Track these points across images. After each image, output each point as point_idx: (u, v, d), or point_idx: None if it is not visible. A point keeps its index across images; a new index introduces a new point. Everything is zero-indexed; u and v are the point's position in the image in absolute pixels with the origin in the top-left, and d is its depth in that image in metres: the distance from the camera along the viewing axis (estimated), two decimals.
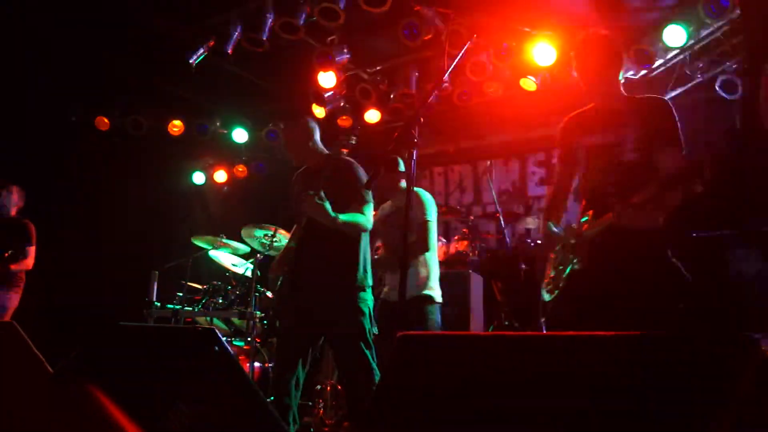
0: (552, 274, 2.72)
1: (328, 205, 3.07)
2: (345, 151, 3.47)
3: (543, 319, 3.54)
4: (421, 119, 2.27)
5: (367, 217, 3.28)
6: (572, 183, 2.91)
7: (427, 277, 3.87)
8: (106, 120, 7.24)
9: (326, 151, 3.47)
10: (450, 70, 2.72)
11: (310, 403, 4.57)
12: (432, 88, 5.13)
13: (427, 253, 3.88)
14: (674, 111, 2.57)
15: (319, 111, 6.57)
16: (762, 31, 3.68)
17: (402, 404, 1.53)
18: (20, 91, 6.31)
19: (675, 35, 4.95)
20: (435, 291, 3.89)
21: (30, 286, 5.56)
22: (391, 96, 6.49)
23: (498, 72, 5.98)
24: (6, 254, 5.09)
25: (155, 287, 4.79)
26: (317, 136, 3.44)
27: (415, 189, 3.86)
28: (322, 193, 3.09)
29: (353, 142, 3.56)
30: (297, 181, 3.57)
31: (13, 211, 5.55)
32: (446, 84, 6.07)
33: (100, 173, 7.03)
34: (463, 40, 4.91)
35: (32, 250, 5.33)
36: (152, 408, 2.13)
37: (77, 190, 6.88)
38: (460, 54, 2.69)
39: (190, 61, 5.58)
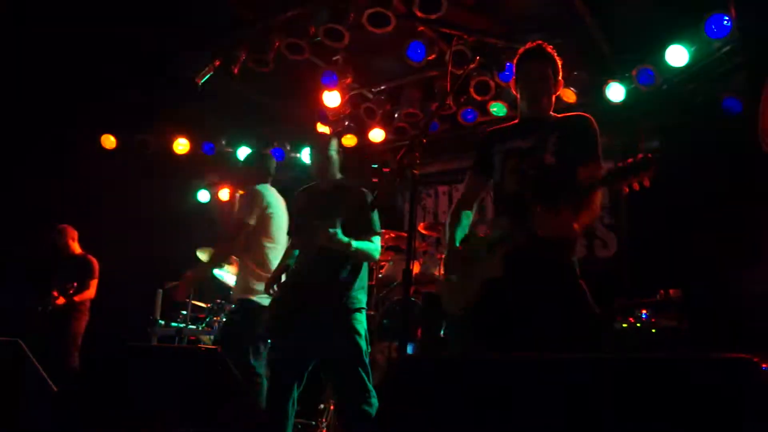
0: (458, 293, 2.60)
1: (343, 236, 3.13)
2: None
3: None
4: (424, 140, 2.29)
5: (377, 246, 3.35)
6: (481, 192, 2.90)
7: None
8: (112, 138, 7.31)
9: (340, 176, 3.52)
10: (454, 89, 2.73)
11: (313, 423, 4.53)
12: (436, 108, 5.17)
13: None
14: (596, 126, 2.59)
15: (323, 130, 6.62)
16: (761, 50, 3.71)
17: (402, 427, 1.53)
18: (26, 109, 6.38)
19: (677, 55, 4.99)
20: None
21: None
22: (396, 115, 6.53)
23: (501, 91, 6.04)
24: (71, 290, 5.68)
25: (160, 305, 4.80)
26: (339, 160, 3.50)
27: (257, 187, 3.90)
28: (337, 222, 3.16)
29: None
30: (301, 199, 3.61)
31: (75, 247, 6.18)
32: (450, 104, 6.11)
33: (106, 191, 7.06)
34: (466, 60, 4.96)
35: (94, 283, 6.00)
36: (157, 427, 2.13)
37: (83, 208, 6.91)
38: (464, 74, 2.71)
39: (197, 81, 5.64)
